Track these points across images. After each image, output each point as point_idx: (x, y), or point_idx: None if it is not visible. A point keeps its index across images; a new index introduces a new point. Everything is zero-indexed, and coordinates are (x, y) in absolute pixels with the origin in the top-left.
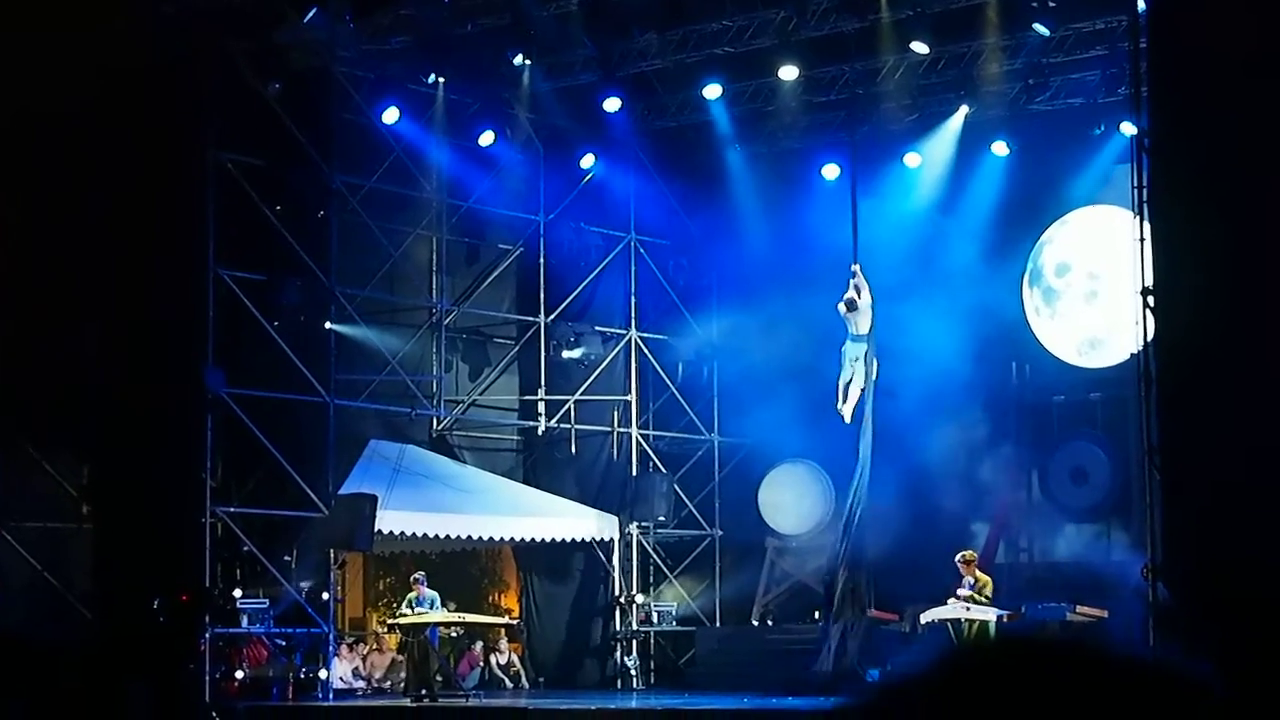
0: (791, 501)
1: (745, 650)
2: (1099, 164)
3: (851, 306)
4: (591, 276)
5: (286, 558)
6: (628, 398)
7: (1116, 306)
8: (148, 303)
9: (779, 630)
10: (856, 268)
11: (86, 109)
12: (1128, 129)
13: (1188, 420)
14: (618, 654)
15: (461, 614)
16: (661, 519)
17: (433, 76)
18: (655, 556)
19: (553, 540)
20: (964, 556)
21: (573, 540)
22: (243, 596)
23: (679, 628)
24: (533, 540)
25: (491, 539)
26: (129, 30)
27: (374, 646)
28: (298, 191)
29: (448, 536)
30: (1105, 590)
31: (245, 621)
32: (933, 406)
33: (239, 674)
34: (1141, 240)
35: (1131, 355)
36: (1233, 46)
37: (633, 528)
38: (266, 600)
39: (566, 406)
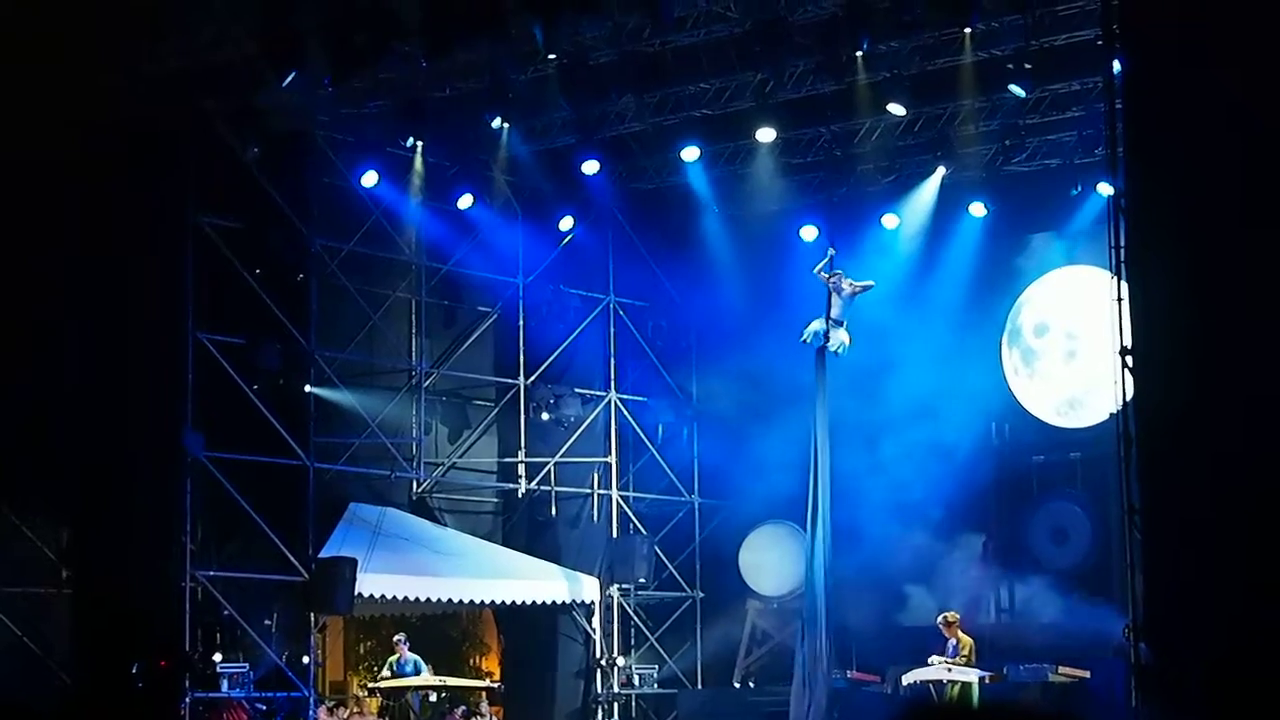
0: (772, 563)
1: (727, 712)
2: (1076, 224)
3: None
4: (570, 339)
5: (267, 621)
6: (608, 459)
7: (1095, 366)
8: (127, 366)
9: (761, 692)
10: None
11: (65, 172)
12: (1105, 189)
13: (1167, 479)
14: (599, 717)
15: (442, 677)
16: (642, 581)
17: (411, 140)
18: (636, 618)
19: (533, 603)
20: (945, 618)
21: (553, 603)
22: (223, 661)
23: (660, 690)
24: (513, 603)
25: (472, 602)
26: (108, 92)
27: (354, 710)
28: (277, 254)
29: (428, 599)
30: (1087, 650)
31: (225, 686)
32: (910, 468)
33: None
34: (1119, 300)
35: (1111, 415)
36: (1208, 107)
37: (613, 590)
38: (246, 664)
39: (546, 469)
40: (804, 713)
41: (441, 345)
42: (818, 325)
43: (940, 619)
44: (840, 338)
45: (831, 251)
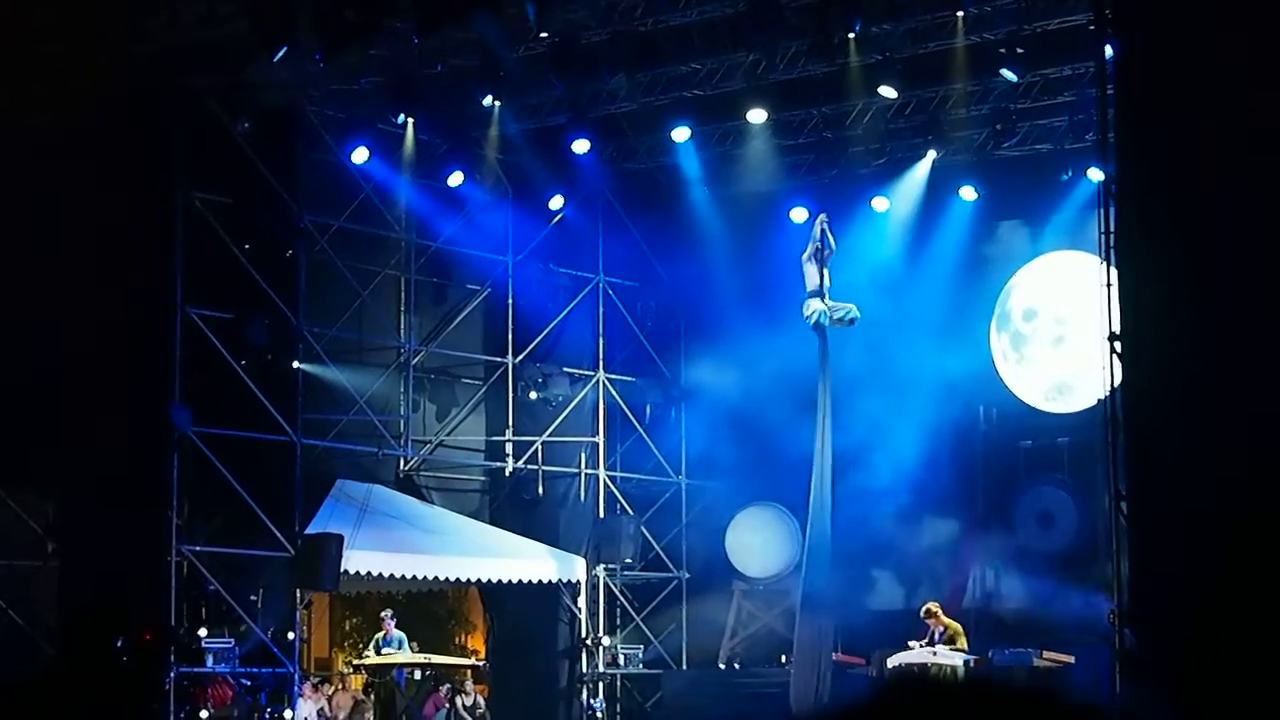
0: (759, 544)
1: (712, 693)
2: (1066, 209)
3: (818, 257)
4: (560, 318)
5: (252, 597)
6: (595, 439)
7: (1084, 352)
8: (115, 340)
9: (746, 673)
10: (824, 217)
11: (57, 145)
12: (1095, 175)
13: (1154, 465)
14: (584, 696)
15: (428, 655)
16: (628, 561)
17: (402, 116)
18: (622, 598)
19: (519, 581)
20: (928, 609)
21: (539, 582)
22: (208, 636)
23: (646, 670)
24: (499, 581)
25: (458, 580)
26: (98, 68)
27: (339, 687)
28: (266, 230)
29: (414, 577)
30: (1072, 636)
31: (210, 661)
32: (898, 451)
33: (203, 714)
34: (1109, 286)
35: (1099, 400)
36: (1200, 92)
37: (599, 569)
38: (232, 640)
39: (534, 448)
40: (812, 692)
41: (430, 323)
42: (819, 305)
43: (922, 611)
44: (846, 308)
45: (823, 220)
